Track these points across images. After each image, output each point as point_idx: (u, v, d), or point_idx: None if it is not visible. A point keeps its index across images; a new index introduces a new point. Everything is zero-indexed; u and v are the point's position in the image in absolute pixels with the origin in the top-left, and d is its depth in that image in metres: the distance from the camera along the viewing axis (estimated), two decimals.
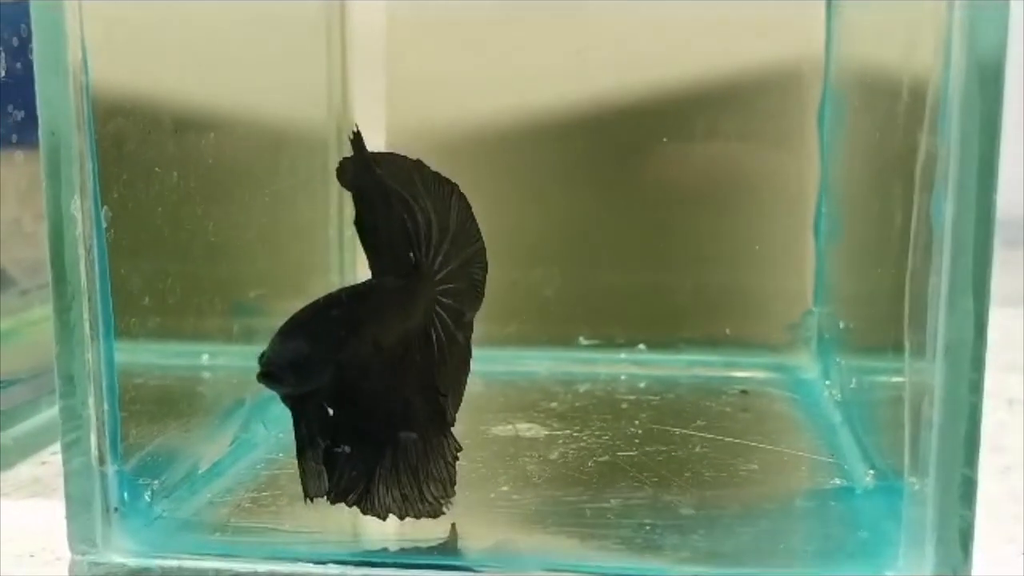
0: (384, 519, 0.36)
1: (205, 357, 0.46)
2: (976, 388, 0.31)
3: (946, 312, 0.31)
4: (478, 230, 0.42)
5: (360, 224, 0.37)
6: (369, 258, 0.38)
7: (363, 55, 0.62)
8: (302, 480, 0.36)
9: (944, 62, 0.31)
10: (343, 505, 0.36)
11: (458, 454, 0.38)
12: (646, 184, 0.61)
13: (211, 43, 0.46)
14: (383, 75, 0.62)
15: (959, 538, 0.32)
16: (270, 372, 0.33)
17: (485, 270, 0.42)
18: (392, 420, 0.36)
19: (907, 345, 0.33)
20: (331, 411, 0.35)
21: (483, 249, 0.42)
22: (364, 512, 0.36)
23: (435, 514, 0.37)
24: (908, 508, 0.33)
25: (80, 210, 0.33)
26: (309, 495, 0.36)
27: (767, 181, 0.60)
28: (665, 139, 0.61)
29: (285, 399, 0.35)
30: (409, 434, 0.37)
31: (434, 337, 0.39)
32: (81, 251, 0.34)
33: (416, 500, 0.37)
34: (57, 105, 0.33)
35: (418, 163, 0.39)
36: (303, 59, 0.58)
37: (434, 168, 0.40)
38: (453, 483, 0.37)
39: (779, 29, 0.59)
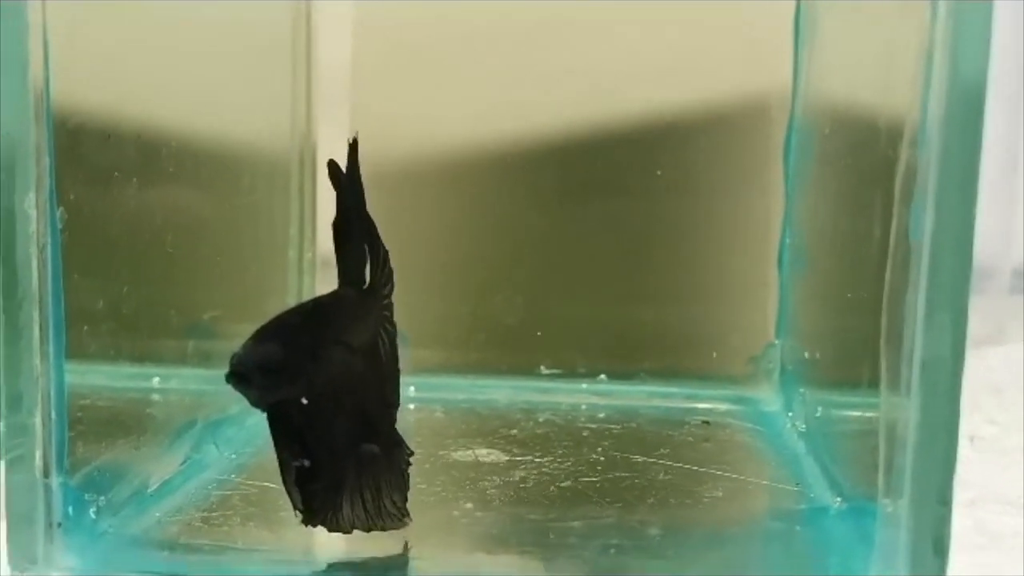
0: (349, 533, 0.35)
1: (156, 379, 0.45)
2: (953, 405, 0.30)
3: (923, 328, 0.30)
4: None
5: (339, 227, 0.37)
6: (339, 261, 0.38)
7: (328, 82, 0.61)
8: (288, 494, 0.35)
9: (925, 79, 0.31)
10: (298, 523, 0.35)
11: (410, 459, 0.38)
12: (609, 215, 0.61)
13: (175, 56, 0.45)
14: (347, 102, 0.62)
15: (934, 560, 0.31)
16: (239, 372, 0.32)
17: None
18: (354, 433, 0.35)
19: (882, 364, 0.32)
20: (302, 424, 0.34)
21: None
22: (331, 530, 0.35)
23: (400, 525, 0.36)
24: (881, 530, 0.32)
25: (35, 207, 0.32)
26: (295, 508, 0.35)
27: (731, 213, 0.60)
28: (629, 170, 0.60)
29: (259, 405, 0.33)
30: (371, 447, 0.36)
31: (381, 352, 0.39)
32: (34, 249, 0.32)
33: (381, 512, 0.36)
34: (15, 98, 0.32)
35: None
36: (267, 83, 0.57)
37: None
38: (407, 489, 0.37)
39: (745, 63, 0.59)
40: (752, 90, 0.60)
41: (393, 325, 0.41)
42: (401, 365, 0.41)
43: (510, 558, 0.36)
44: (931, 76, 0.31)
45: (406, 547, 0.36)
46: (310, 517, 0.35)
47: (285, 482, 0.35)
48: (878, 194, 0.35)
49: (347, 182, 0.37)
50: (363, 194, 0.38)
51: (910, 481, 0.31)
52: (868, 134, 0.39)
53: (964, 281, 0.30)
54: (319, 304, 0.37)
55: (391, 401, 0.39)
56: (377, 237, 0.38)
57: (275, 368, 0.32)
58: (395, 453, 0.37)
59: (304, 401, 0.34)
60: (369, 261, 0.38)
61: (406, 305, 0.41)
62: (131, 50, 0.40)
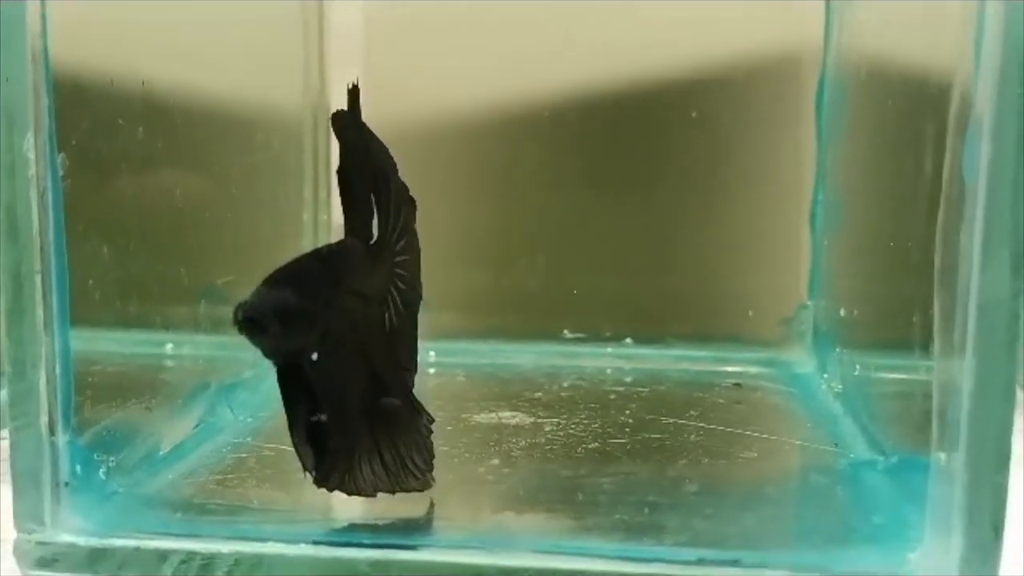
0: (373, 496, 0.33)
1: (168, 343, 0.43)
2: (1012, 351, 0.28)
3: (980, 268, 0.28)
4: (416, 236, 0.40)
5: (343, 175, 0.35)
6: (345, 212, 0.36)
7: (342, 41, 0.59)
8: (298, 455, 0.33)
9: (979, 11, 0.29)
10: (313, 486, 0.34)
11: (431, 426, 0.36)
12: (635, 175, 0.59)
13: (182, 9, 0.43)
14: (362, 62, 0.60)
15: (990, 518, 0.29)
16: (252, 318, 0.30)
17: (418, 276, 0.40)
18: (368, 392, 0.34)
19: (935, 309, 0.30)
20: (313, 379, 0.32)
21: (419, 255, 0.40)
22: (349, 493, 0.34)
23: (423, 486, 0.34)
24: (935, 485, 0.30)
25: (34, 149, 0.30)
26: (306, 469, 0.33)
27: (761, 171, 0.58)
28: (656, 129, 0.58)
29: (273, 355, 0.31)
30: (391, 400, 0.34)
31: (391, 312, 0.37)
32: (34, 194, 0.30)
33: (402, 472, 0.34)
34: (11, 36, 0.30)
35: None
36: (279, 41, 0.55)
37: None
38: (432, 455, 0.35)
39: (776, 16, 0.57)
40: (782, 44, 0.58)
41: (411, 287, 0.39)
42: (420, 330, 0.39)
43: (538, 516, 0.34)
44: (985, 13, 0.29)
45: (430, 507, 0.35)
46: (323, 479, 0.33)
47: (295, 442, 0.33)
48: (927, 132, 0.33)
49: (348, 129, 0.35)
50: (369, 144, 0.36)
51: (966, 433, 0.29)
52: (913, 78, 0.37)
53: (1021, 218, 0.28)
54: (330, 252, 0.35)
55: (406, 364, 0.38)
56: (388, 190, 0.36)
57: (291, 314, 0.30)
58: (414, 418, 0.36)
59: (315, 356, 0.32)
60: (377, 214, 0.36)
61: (426, 269, 0.39)
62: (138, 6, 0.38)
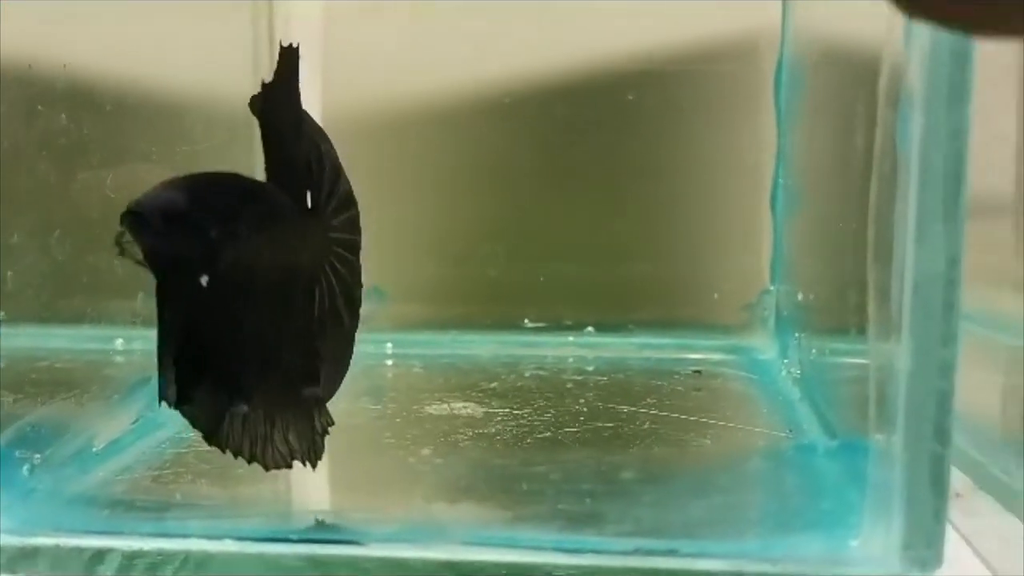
0: (223, 453, 0.32)
1: (104, 336, 0.42)
2: (950, 328, 0.27)
3: (914, 243, 0.27)
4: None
5: (268, 149, 0.33)
6: (267, 167, 0.33)
7: (297, 26, 0.58)
8: (159, 380, 0.31)
9: None
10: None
11: (328, 429, 0.34)
12: (595, 161, 0.58)
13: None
14: (319, 47, 0.59)
15: (932, 499, 0.28)
16: (135, 212, 0.28)
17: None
18: (261, 358, 0.32)
19: (870, 286, 0.30)
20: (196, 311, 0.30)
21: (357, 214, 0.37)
22: (208, 442, 0.32)
23: (285, 464, 0.33)
24: (875, 469, 0.29)
25: None
26: (162, 398, 0.31)
27: (722, 156, 0.57)
28: (615, 115, 0.57)
29: (152, 258, 0.29)
30: (314, 390, 0.33)
31: (318, 296, 0.35)
32: None
33: (269, 444, 0.32)
34: None
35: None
36: (224, 26, 0.54)
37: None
38: (318, 453, 0.33)
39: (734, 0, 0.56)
40: (740, 27, 0.57)
41: (351, 275, 0.36)
42: (374, 324, 0.38)
43: (473, 506, 0.33)
44: None
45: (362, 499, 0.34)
46: (178, 401, 0.31)
47: (161, 361, 0.30)
48: (861, 105, 0.32)
49: (279, 81, 0.33)
50: (300, 114, 0.34)
51: (903, 413, 0.28)
52: (857, 56, 0.36)
53: (958, 188, 0.27)
54: (247, 182, 0.32)
55: (325, 356, 0.35)
56: (325, 156, 0.34)
57: (177, 215, 0.28)
58: (309, 404, 0.34)
59: (204, 280, 0.30)
60: (313, 179, 0.34)
61: (384, 258, 0.38)
62: None
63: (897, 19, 0.29)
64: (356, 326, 0.37)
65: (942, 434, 0.28)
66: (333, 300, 0.36)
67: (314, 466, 0.33)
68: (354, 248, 0.37)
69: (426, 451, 0.39)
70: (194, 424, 0.32)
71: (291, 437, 0.33)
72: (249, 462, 0.32)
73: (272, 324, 0.32)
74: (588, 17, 0.57)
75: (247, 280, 0.31)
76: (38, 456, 0.34)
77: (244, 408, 0.32)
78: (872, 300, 0.30)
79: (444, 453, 0.38)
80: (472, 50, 0.58)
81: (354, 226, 0.37)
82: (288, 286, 0.33)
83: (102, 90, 0.39)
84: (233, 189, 0.31)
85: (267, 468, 0.32)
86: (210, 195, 0.30)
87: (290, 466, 0.33)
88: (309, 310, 0.34)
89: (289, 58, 0.33)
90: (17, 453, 0.33)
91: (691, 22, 0.57)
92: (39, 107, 0.34)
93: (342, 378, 0.36)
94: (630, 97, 0.57)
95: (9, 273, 0.34)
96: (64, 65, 0.36)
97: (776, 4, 0.55)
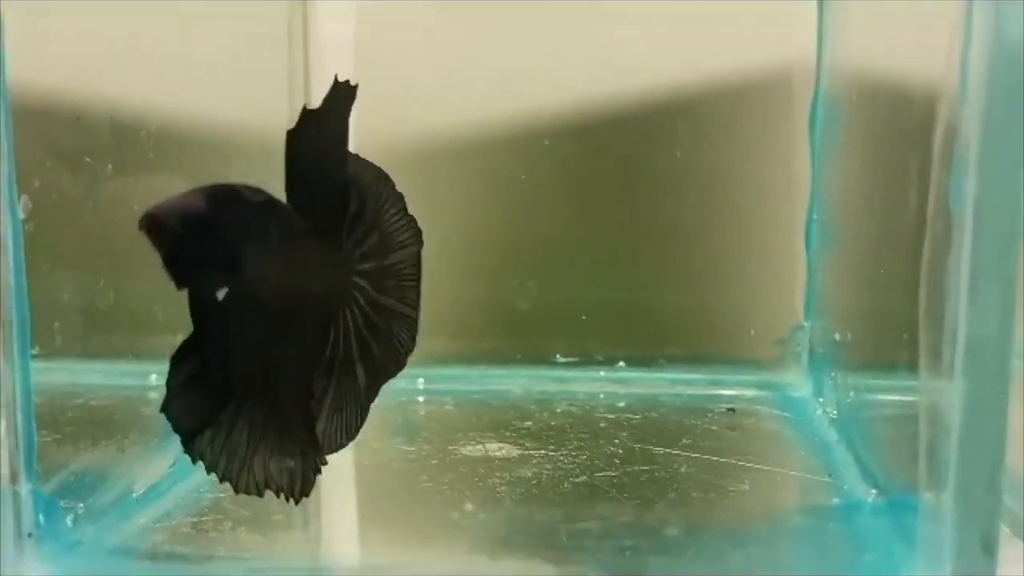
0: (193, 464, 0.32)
1: (143, 377, 0.42)
2: (1002, 387, 0.27)
3: (967, 304, 0.27)
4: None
5: (295, 173, 0.33)
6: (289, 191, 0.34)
7: (330, 61, 0.58)
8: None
9: (964, 38, 0.28)
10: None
11: (319, 468, 0.34)
12: (628, 194, 0.58)
13: (155, 35, 0.43)
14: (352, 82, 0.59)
15: (983, 558, 0.28)
16: (153, 215, 0.28)
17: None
18: (255, 380, 0.32)
19: (922, 345, 0.29)
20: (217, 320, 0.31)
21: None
22: (184, 450, 0.32)
23: (256, 492, 0.33)
24: (923, 525, 0.29)
25: None
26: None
27: (754, 189, 0.57)
28: (649, 149, 0.57)
29: (169, 265, 0.29)
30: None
31: (332, 337, 0.35)
32: None
33: (246, 468, 0.32)
34: None
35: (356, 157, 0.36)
36: (261, 62, 0.54)
37: (406, 177, 0.38)
38: (304, 490, 0.33)
39: (768, 33, 0.56)
40: (774, 60, 0.57)
41: (375, 340, 0.36)
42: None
43: (514, 562, 0.33)
44: (971, 34, 0.28)
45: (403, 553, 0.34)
46: (170, 415, 0.32)
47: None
48: (913, 160, 0.32)
49: (327, 113, 0.33)
50: (346, 139, 0.34)
51: (955, 471, 0.28)
52: (901, 99, 0.36)
53: (1011, 251, 0.27)
54: (268, 197, 0.32)
55: (324, 401, 0.35)
56: (366, 199, 0.35)
57: (197, 220, 0.29)
58: (309, 452, 0.34)
59: (220, 296, 0.30)
60: (342, 216, 0.34)
61: None
62: (104, 29, 0.38)
63: (951, 67, 0.29)
64: (372, 395, 0.37)
65: (993, 494, 0.28)
66: (348, 350, 0.36)
67: (296, 502, 0.33)
68: (381, 311, 0.37)
69: (462, 498, 0.38)
70: (176, 429, 0.32)
71: (272, 467, 0.33)
72: (221, 481, 0.33)
73: (273, 348, 0.32)
74: (621, 49, 0.57)
75: (257, 294, 0.31)
76: (81, 505, 0.34)
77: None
78: (923, 357, 0.29)
79: (481, 500, 0.38)
80: (504, 82, 0.58)
81: (389, 289, 0.37)
82: (298, 313, 0.33)
83: (144, 134, 0.39)
84: (254, 201, 0.31)
85: (237, 491, 0.33)
86: (231, 203, 0.30)
87: (261, 495, 0.33)
88: (318, 348, 0.34)
89: (345, 93, 0.33)
90: (62, 503, 0.33)
91: (724, 55, 0.57)
92: (87, 159, 0.35)
93: (349, 436, 0.36)
94: (663, 130, 0.57)
95: (44, 308, 0.34)
96: (111, 116, 0.36)
97: (811, 37, 0.55)
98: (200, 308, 0.31)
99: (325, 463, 0.34)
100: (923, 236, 0.30)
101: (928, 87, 0.32)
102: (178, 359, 0.32)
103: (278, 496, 0.33)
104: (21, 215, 0.31)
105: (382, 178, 0.37)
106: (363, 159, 0.36)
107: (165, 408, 0.32)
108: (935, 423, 0.29)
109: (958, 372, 0.28)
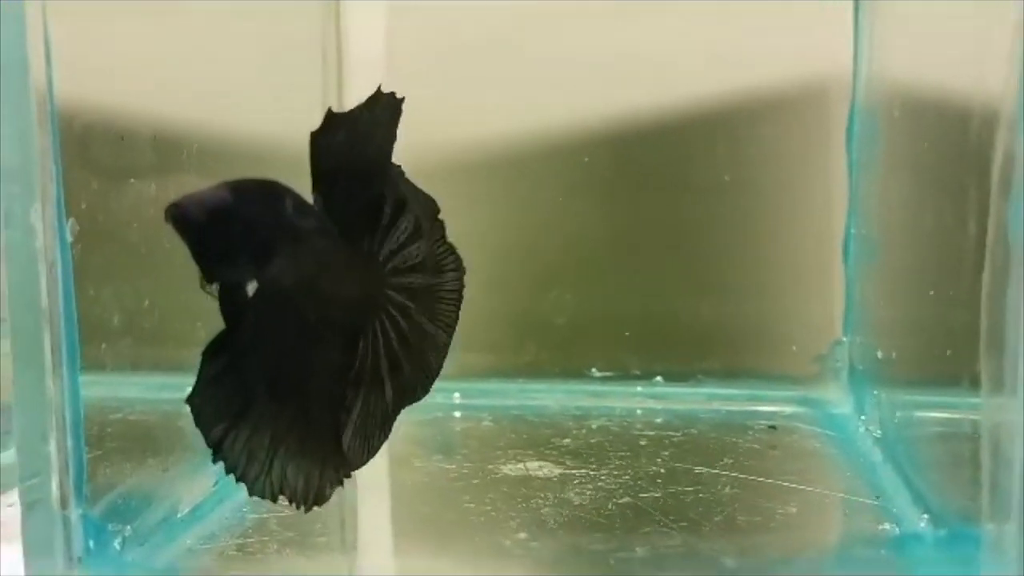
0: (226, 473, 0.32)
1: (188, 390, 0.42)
2: None
3: None
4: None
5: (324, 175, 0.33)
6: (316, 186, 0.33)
7: (362, 76, 0.58)
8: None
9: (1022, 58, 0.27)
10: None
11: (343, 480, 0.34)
12: (664, 208, 0.57)
13: (195, 53, 0.43)
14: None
15: None
16: (179, 204, 0.28)
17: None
18: (280, 383, 0.32)
19: (983, 372, 0.29)
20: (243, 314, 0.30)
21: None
22: (207, 444, 0.32)
23: (270, 497, 0.32)
24: (985, 556, 0.29)
25: (41, 219, 0.29)
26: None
27: (792, 203, 0.56)
28: (685, 162, 0.57)
29: (196, 256, 0.29)
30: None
31: (361, 349, 0.35)
32: (42, 266, 0.29)
33: (264, 472, 0.32)
34: (16, 102, 0.29)
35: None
36: (296, 79, 0.54)
37: (444, 190, 0.38)
38: (318, 498, 0.33)
39: (803, 47, 0.55)
40: (810, 73, 0.56)
41: (407, 355, 0.36)
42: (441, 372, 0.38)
43: None
44: None
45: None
46: (194, 408, 0.32)
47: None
48: (970, 184, 0.32)
49: (368, 122, 0.33)
50: (390, 151, 0.34)
51: (1020, 501, 0.27)
52: (954, 118, 0.36)
53: None
54: (296, 195, 0.32)
55: (351, 411, 0.34)
56: (403, 212, 0.34)
57: (223, 211, 0.28)
58: (331, 462, 0.33)
59: (249, 290, 0.30)
60: (376, 225, 0.34)
61: None
62: (146, 47, 0.37)
63: (1010, 91, 0.28)
64: (395, 415, 0.37)
65: None
66: (377, 363, 0.35)
67: (307, 510, 0.33)
68: (414, 327, 0.37)
69: (508, 519, 0.38)
70: (197, 423, 0.32)
71: (289, 472, 0.32)
72: (237, 480, 0.32)
73: (302, 351, 0.32)
74: (656, 64, 0.56)
75: (284, 290, 0.31)
76: (128, 528, 0.34)
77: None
78: (985, 383, 0.29)
79: (527, 524, 0.38)
80: (539, 96, 0.57)
81: (425, 308, 0.37)
82: (327, 316, 0.33)
83: (185, 153, 0.39)
84: (282, 196, 0.31)
85: (251, 494, 0.33)
86: (256, 196, 0.30)
87: (275, 500, 0.33)
88: (347, 356, 0.34)
89: (388, 104, 0.34)
90: (110, 526, 0.33)
91: (760, 69, 0.56)
92: (131, 180, 0.34)
93: (369, 454, 0.36)
94: (699, 145, 0.56)
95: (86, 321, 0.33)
96: (155, 136, 0.36)
97: (847, 52, 0.54)
98: (231, 306, 0.31)
99: (349, 477, 0.34)
100: (980, 259, 0.30)
101: (985, 109, 0.31)
102: (209, 354, 0.32)
103: (290, 503, 0.33)
104: (69, 238, 0.31)
105: (431, 203, 0.37)
106: (412, 183, 0.36)
107: (190, 400, 0.32)
108: (997, 452, 0.28)
109: (1020, 399, 0.27)
